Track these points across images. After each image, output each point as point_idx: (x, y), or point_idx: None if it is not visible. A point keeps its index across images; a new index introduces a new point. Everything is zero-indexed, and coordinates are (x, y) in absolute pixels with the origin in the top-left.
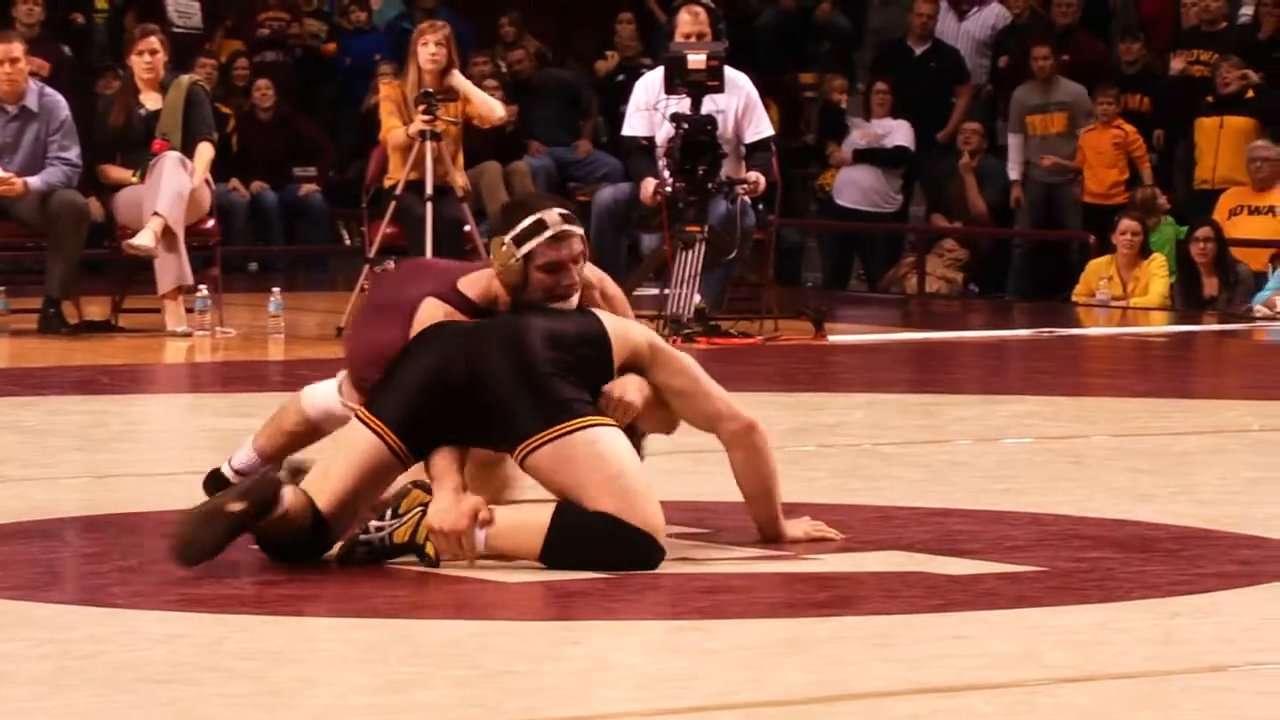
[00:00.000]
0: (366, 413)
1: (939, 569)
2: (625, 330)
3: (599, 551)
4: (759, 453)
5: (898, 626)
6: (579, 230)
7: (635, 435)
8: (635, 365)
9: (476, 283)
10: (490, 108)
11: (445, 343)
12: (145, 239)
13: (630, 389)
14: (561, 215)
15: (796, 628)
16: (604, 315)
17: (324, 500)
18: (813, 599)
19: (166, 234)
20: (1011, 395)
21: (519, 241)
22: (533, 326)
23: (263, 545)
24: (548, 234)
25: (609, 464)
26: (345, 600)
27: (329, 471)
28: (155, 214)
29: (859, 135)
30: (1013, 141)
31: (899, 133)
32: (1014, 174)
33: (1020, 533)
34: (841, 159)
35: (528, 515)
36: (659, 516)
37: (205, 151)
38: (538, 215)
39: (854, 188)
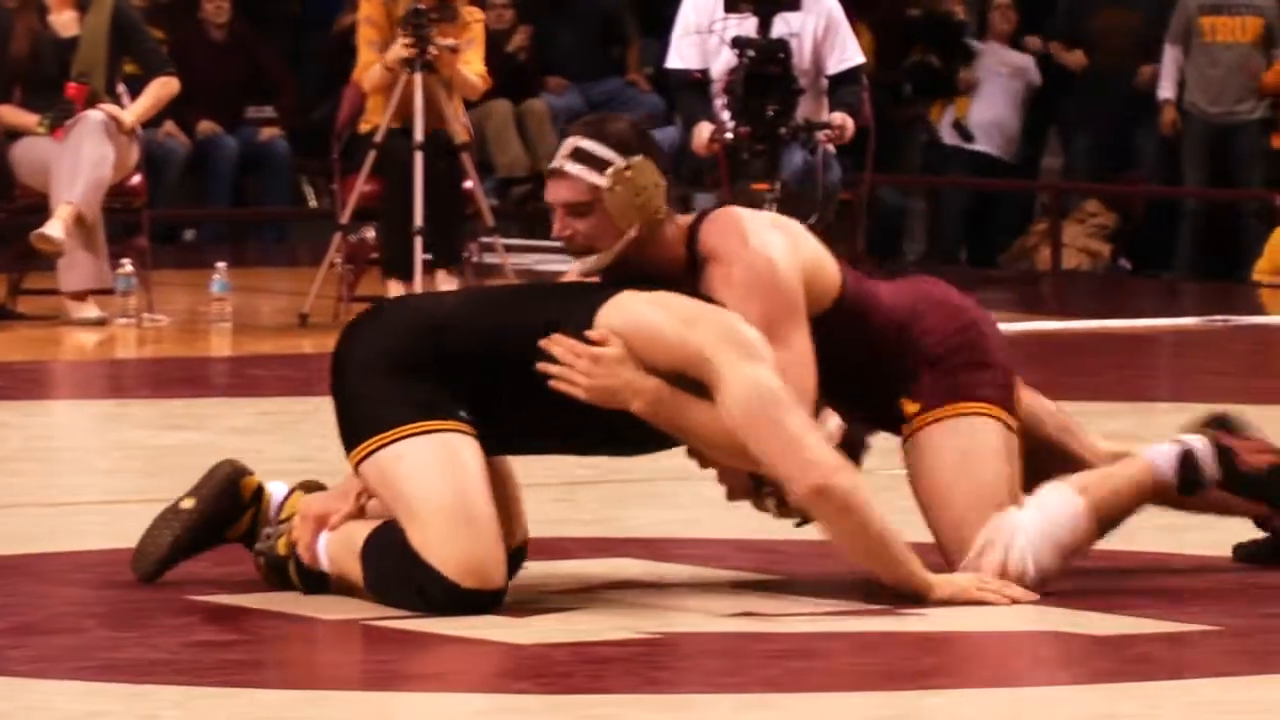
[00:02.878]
0: None
1: (1081, 628)
2: (647, 329)
3: (401, 592)
4: (838, 520)
5: (1029, 702)
6: (578, 171)
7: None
8: (690, 379)
9: None
10: (471, 85)
11: None
12: (55, 229)
13: (609, 358)
14: (574, 149)
15: (895, 703)
16: (617, 302)
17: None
18: (917, 666)
19: (80, 224)
20: (1174, 403)
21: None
22: (413, 313)
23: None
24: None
25: (415, 483)
26: (306, 667)
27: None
28: (68, 202)
29: (996, 62)
30: (1169, 55)
31: (1034, 71)
32: (1167, 92)
33: (1184, 581)
34: (971, 81)
35: (355, 533)
36: (469, 557)
37: (165, 89)
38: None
39: (997, 130)
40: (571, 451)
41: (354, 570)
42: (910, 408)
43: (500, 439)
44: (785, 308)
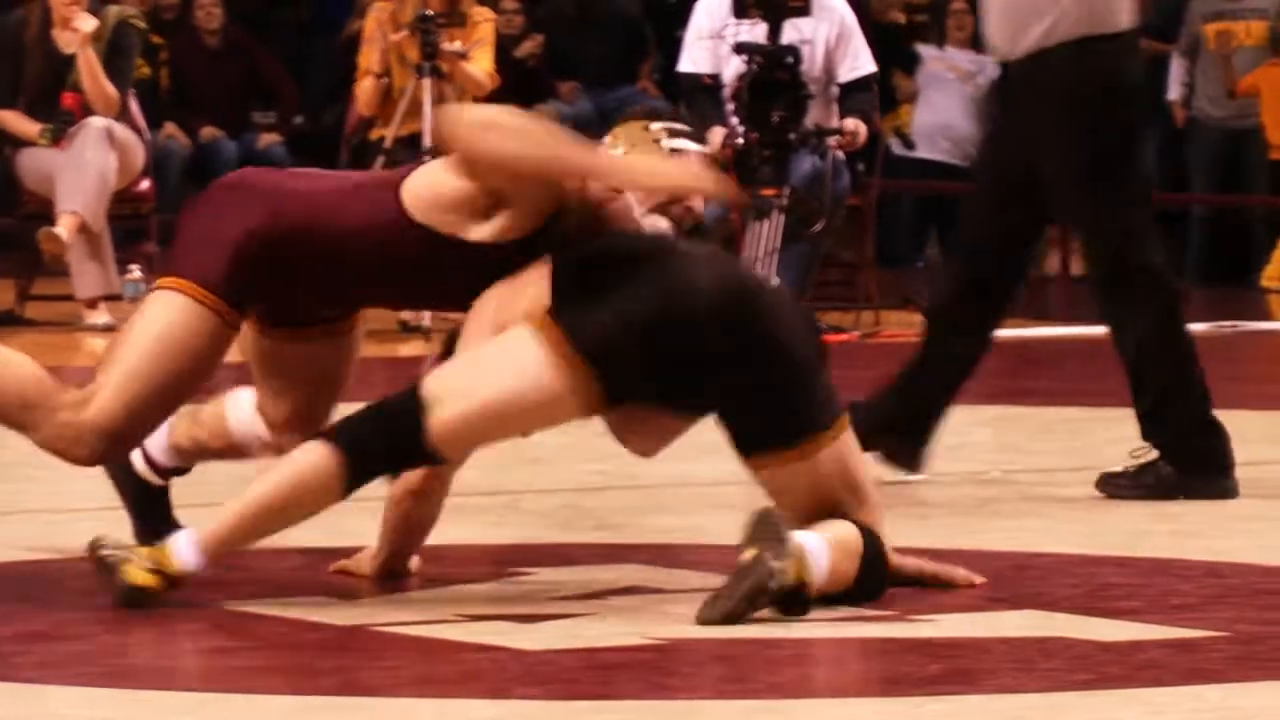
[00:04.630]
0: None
1: (1088, 634)
2: None
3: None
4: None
5: (1034, 709)
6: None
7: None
8: None
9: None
10: (476, 81)
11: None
12: (63, 231)
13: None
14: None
15: (902, 710)
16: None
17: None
18: (923, 672)
19: (85, 233)
20: None
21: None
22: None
23: None
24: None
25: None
26: (318, 674)
27: (467, 388)
28: (72, 212)
29: (943, 68)
30: (1176, 64)
31: (993, 70)
32: (1174, 94)
33: (1192, 587)
34: (911, 90)
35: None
36: None
37: (108, 91)
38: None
39: (942, 135)
40: None
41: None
42: None
43: None
44: None
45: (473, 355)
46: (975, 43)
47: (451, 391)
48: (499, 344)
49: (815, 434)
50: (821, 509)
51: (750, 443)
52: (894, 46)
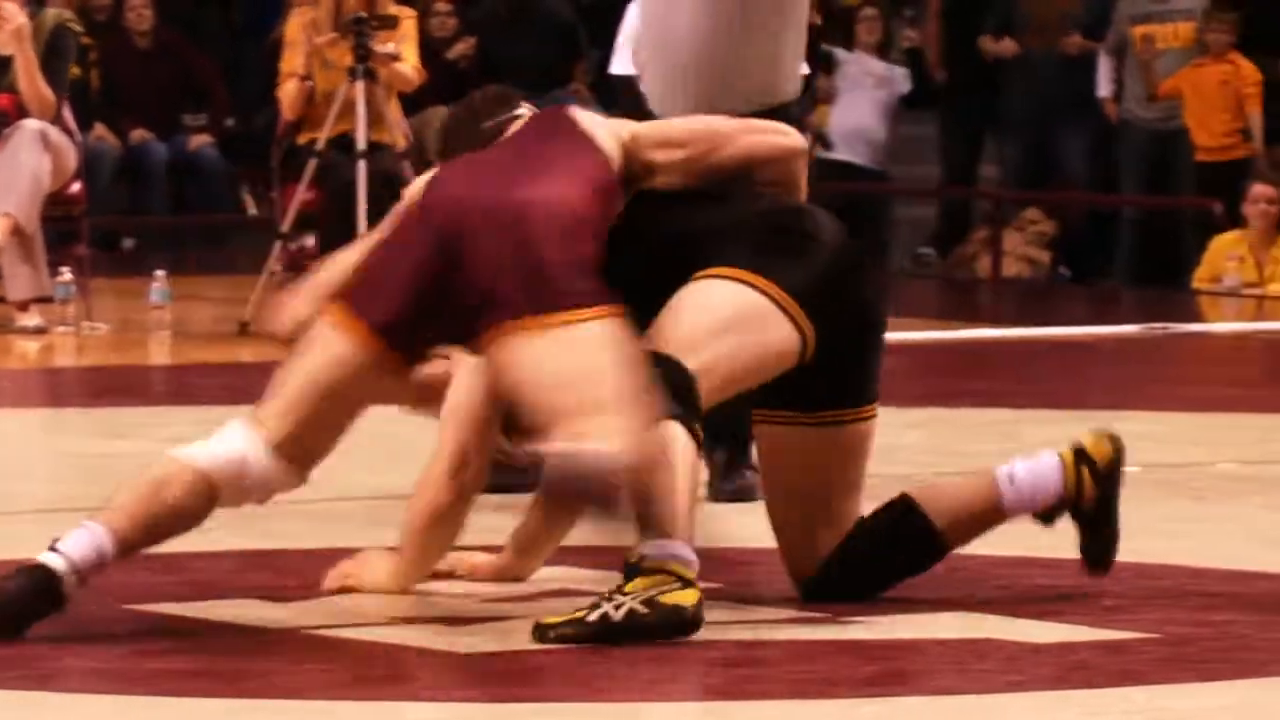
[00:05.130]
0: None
1: (1019, 635)
2: None
3: None
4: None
5: (967, 709)
6: None
7: None
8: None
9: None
10: (405, 78)
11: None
12: None
13: None
14: None
15: (837, 711)
16: None
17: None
18: (858, 673)
19: (17, 235)
20: (1113, 410)
21: None
22: None
23: None
24: None
25: None
26: (246, 677)
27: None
28: (5, 214)
29: (859, 71)
30: (1104, 63)
31: (901, 82)
32: (1105, 90)
33: (1123, 588)
34: (829, 90)
35: None
36: None
37: (42, 92)
38: None
39: (860, 139)
40: None
41: None
42: None
43: None
44: None
45: (704, 308)
46: (883, 49)
47: (710, 351)
48: (727, 299)
49: (870, 404)
50: (845, 475)
51: (820, 400)
52: (813, 47)
